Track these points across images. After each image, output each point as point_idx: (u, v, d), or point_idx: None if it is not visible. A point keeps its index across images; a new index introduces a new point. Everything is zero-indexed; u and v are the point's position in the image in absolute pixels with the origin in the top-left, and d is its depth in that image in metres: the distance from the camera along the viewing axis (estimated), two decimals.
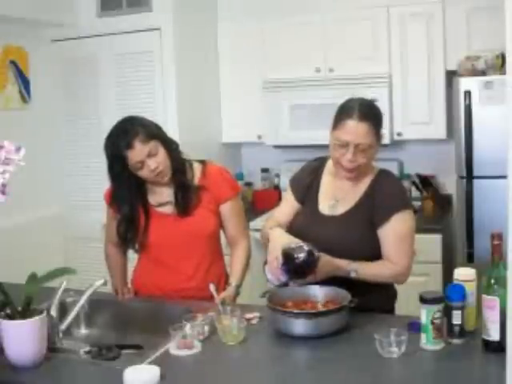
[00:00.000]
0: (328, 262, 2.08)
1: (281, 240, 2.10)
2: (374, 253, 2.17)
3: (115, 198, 2.41)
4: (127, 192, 2.37)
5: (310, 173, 2.35)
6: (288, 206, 2.37)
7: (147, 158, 2.28)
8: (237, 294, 2.42)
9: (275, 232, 2.18)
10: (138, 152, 2.27)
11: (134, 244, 2.46)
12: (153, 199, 2.43)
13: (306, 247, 2.01)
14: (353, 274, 2.10)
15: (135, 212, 2.40)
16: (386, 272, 2.15)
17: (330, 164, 2.30)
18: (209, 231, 2.43)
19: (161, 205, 2.42)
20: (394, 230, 2.14)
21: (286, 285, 2.12)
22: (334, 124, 2.15)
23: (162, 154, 2.32)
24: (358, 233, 2.17)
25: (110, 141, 2.35)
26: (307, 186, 2.32)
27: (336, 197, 2.24)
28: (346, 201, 2.23)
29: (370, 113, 2.13)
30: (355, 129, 2.08)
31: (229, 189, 2.46)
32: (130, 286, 2.55)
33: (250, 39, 4.14)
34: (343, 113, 2.13)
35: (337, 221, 2.21)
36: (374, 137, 2.12)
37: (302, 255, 2.00)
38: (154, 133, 2.32)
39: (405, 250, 2.15)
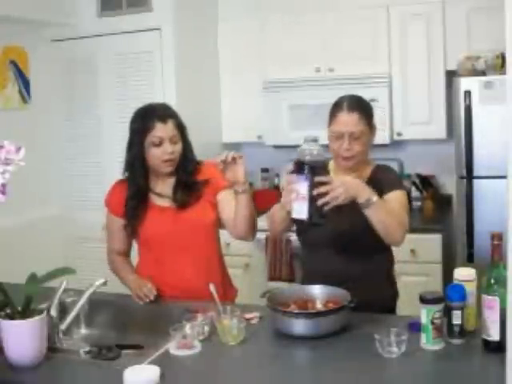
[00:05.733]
0: (355, 180, 2.09)
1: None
2: (379, 239, 2.16)
3: (131, 169, 2.41)
4: (142, 168, 2.39)
5: None
6: None
7: (168, 141, 2.33)
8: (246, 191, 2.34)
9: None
10: (167, 129, 2.34)
11: (137, 226, 2.43)
12: (155, 188, 2.44)
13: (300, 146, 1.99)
14: (372, 202, 2.04)
15: (147, 185, 2.41)
16: (395, 220, 2.12)
17: (330, 164, 2.36)
18: (207, 222, 2.42)
19: (161, 196, 2.43)
20: (396, 198, 2.22)
21: (312, 216, 1.97)
22: (329, 120, 2.30)
23: (180, 146, 2.39)
24: (365, 218, 2.13)
25: (146, 110, 2.40)
26: None
27: None
28: None
29: (358, 104, 2.28)
30: (347, 119, 2.23)
31: (225, 180, 2.43)
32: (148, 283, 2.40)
33: (250, 39, 4.14)
34: (334, 109, 2.29)
35: (346, 207, 2.15)
36: (366, 125, 2.25)
37: (305, 148, 1.97)
38: (183, 126, 2.42)
39: (405, 215, 2.21)
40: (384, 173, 2.34)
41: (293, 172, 2.01)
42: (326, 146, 2.28)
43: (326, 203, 1.97)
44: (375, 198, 2.06)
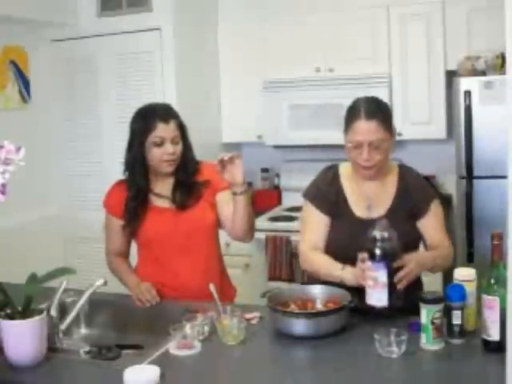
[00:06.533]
0: (423, 254, 2.13)
1: (349, 268, 2.06)
2: (413, 247, 2.18)
3: (131, 169, 2.40)
4: (142, 168, 2.38)
5: (328, 184, 2.28)
6: (319, 224, 2.26)
7: (169, 142, 2.33)
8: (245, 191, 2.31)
9: (344, 271, 2.08)
10: (168, 129, 2.33)
11: (137, 227, 2.42)
12: (155, 188, 2.44)
13: (372, 233, 1.97)
14: (438, 262, 2.15)
15: (147, 188, 2.41)
16: (448, 254, 2.22)
17: (344, 170, 2.29)
18: (207, 223, 2.42)
19: (161, 196, 2.43)
20: (436, 216, 2.25)
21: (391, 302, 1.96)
22: (344, 127, 2.19)
23: (180, 147, 2.38)
24: (401, 230, 2.10)
25: (147, 110, 2.40)
26: (333, 196, 2.25)
27: (368, 200, 2.22)
28: (380, 202, 2.22)
29: (376, 109, 2.16)
30: (365, 128, 2.11)
31: (224, 180, 2.42)
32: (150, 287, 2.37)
33: (250, 39, 4.14)
34: (351, 115, 2.17)
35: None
36: (386, 131, 2.14)
37: (376, 234, 1.95)
38: (184, 126, 2.42)
39: (445, 232, 2.26)
40: (412, 181, 2.27)
41: (368, 259, 1.96)
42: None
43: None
44: (438, 260, 2.15)
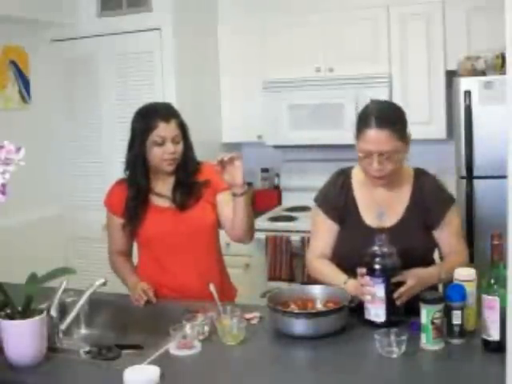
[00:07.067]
0: (425, 271, 2.03)
1: (351, 281, 2.04)
2: (427, 256, 2.17)
3: (132, 168, 2.40)
4: (143, 167, 2.38)
5: (339, 190, 2.23)
6: (326, 230, 2.23)
7: (170, 141, 2.33)
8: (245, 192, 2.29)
9: (347, 284, 2.05)
10: (169, 128, 2.33)
11: (137, 226, 2.43)
12: (155, 188, 2.44)
13: (372, 248, 1.97)
14: (443, 277, 2.07)
15: (148, 187, 2.41)
16: (458, 262, 2.09)
17: (356, 174, 2.23)
18: (207, 223, 2.42)
19: (161, 196, 2.43)
20: (451, 224, 2.17)
21: (391, 317, 1.95)
22: (356, 134, 2.10)
23: (181, 146, 2.38)
24: (414, 239, 2.12)
25: (148, 109, 2.40)
26: (343, 203, 2.21)
27: (380, 208, 2.14)
28: (393, 210, 2.16)
29: (388, 117, 2.06)
30: (375, 137, 2.02)
31: (224, 182, 2.41)
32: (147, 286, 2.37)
33: (250, 39, 4.14)
34: (361, 122, 2.08)
35: (390, 232, 2.04)
36: (399, 141, 2.04)
37: (375, 249, 1.95)
38: (185, 126, 2.42)
39: (462, 238, 2.22)
40: (427, 187, 2.19)
41: (366, 274, 1.96)
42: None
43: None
44: (443, 275, 2.06)
